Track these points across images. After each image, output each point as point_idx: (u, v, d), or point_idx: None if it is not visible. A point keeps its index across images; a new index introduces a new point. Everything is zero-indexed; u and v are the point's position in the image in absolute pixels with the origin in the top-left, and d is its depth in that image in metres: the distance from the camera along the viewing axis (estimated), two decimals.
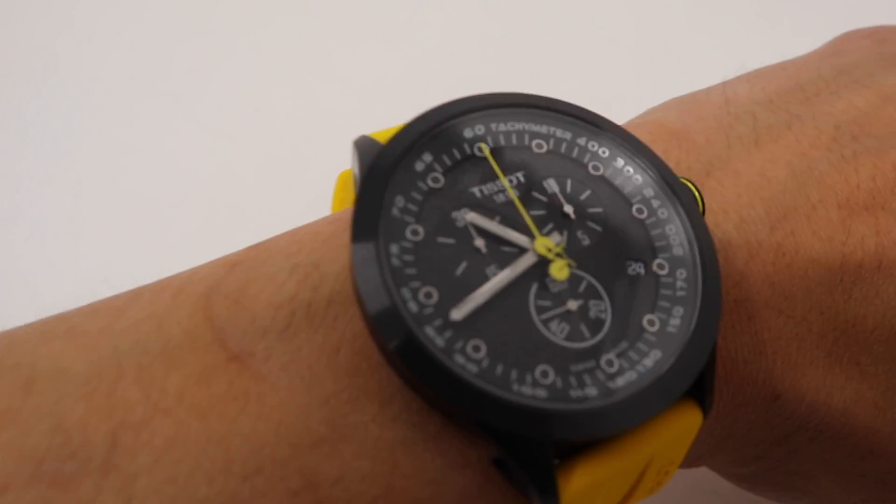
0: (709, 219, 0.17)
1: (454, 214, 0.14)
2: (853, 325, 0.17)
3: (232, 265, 0.15)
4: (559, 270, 0.14)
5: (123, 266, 0.28)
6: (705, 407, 0.14)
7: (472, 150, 0.15)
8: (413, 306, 0.13)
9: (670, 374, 0.13)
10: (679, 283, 0.14)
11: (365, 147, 0.14)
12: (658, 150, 0.18)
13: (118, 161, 0.34)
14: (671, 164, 0.18)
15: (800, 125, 0.19)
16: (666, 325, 0.14)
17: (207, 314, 0.14)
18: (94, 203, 0.33)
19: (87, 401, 0.13)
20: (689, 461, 0.18)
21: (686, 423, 0.14)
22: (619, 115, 0.18)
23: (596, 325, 0.14)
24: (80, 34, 0.39)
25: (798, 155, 0.19)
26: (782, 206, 0.17)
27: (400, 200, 0.14)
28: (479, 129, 0.15)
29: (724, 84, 0.22)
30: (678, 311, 0.14)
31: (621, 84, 0.36)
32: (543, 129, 0.15)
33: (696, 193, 0.16)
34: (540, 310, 0.13)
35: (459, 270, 0.13)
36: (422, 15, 0.40)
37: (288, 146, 0.34)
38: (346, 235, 0.14)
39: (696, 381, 0.14)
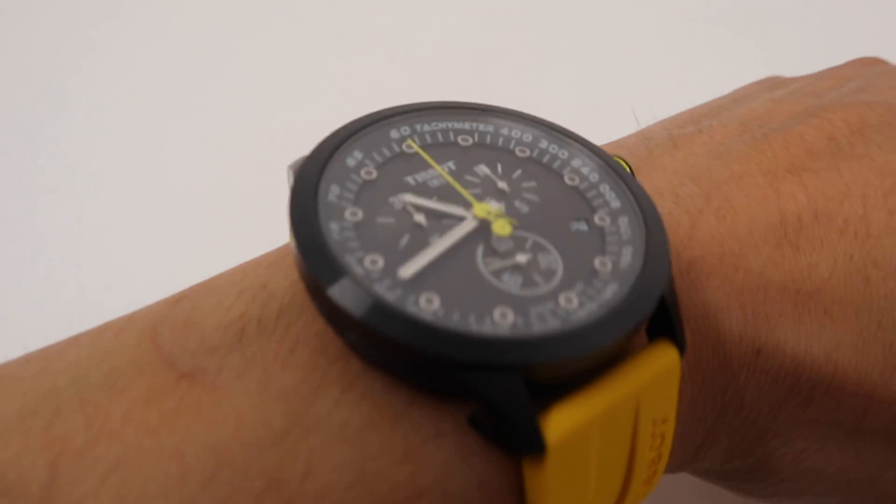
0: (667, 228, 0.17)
1: (391, 199, 0.14)
2: (809, 274, 0.17)
3: (176, 301, 0.14)
4: (501, 227, 0.14)
5: (124, 273, 0.29)
6: (679, 342, 0.14)
7: (401, 148, 0.15)
8: (359, 270, 0.13)
9: (630, 299, 0.13)
10: (623, 229, 0.14)
11: (296, 164, 0.15)
12: None
13: (121, 169, 0.35)
14: None
15: (709, 128, 0.21)
16: (618, 264, 0.14)
17: (153, 343, 0.13)
18: (97, 211, 0.33)
19: (22, 438, 0.12)
20: (691, 452, 0.17)
21: (663, 360, 0.13)
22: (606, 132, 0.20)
23: (548, 273, 0.13)
24: (83, 44, 0.40)
25: (715, 144, 0.20)
26: (711, 180, 0.18)
27: (335, 189, 0.14)
28: (405, 130, 0.16)
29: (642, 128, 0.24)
30: (627, 250, 0.14)
31: (609, 100, 0.37)
32: (466, 125, 0.16)
33: (624, 164, 0.16)
34: (489, 266, 0.13)
35: (403, 242, 0.13)
36: (418, 29, 0.43)
37: (285, 156, 0.34)
38: (290, 257, 0.14)
39: (662, 318, 0.14)
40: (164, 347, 0.13)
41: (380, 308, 0.12)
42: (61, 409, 0.12)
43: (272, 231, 0.17)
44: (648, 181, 0.18)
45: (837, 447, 0.17)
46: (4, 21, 0.43)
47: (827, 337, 0.17)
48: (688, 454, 0.17)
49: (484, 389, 0.12)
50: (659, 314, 0.14)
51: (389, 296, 0.12)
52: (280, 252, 0.15)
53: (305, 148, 0.15)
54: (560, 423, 0.12)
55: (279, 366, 0.13)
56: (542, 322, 0.12)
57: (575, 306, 0.13)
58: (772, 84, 0.25)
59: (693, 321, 0.16)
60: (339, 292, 0.12)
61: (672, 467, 0.17)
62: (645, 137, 0.21)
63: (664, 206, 0.17)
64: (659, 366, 0.13)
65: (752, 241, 0.17)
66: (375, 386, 0.13)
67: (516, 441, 0.12)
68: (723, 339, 0.16)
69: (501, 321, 0.12)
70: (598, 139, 0.19)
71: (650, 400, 0.13)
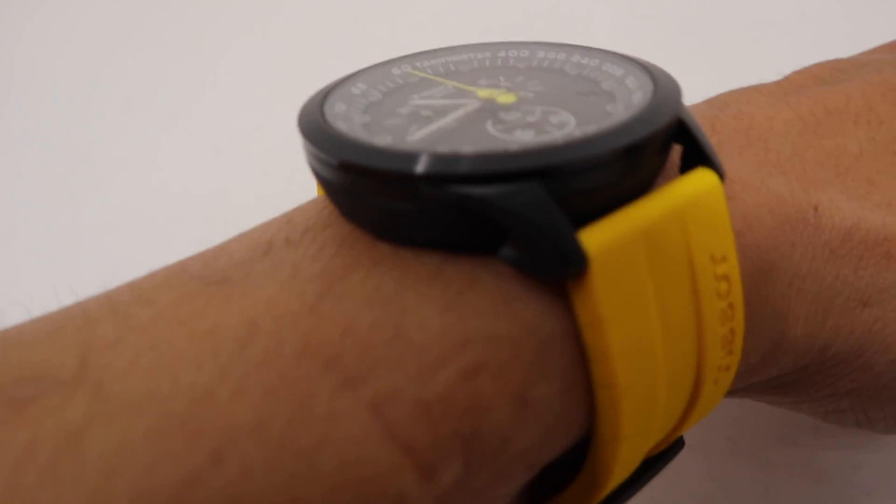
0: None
1: (399, 109, 0.15)
2: (840, 153, 0.17)
3: (205, 250, 0.15)
4: (505, 97, 0.14)
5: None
6: (715, 166, 0.13)
7: (405, 80, 0.16)
8: (364, 134, 0.13)
9: (647, 112, 0.12)
10: (630, 84, 0.14)
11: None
12: None
13: (115, 174, 0.35)
14: None
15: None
16: (629, 103, 0.13)
17: (183, 270, 0.13)
18: (91, 216, 0.33)
19: (51, 342, 0.12)
20: (779, 321, 0.15)
21: (702, 182, 0.13)
22: None
23: (561, 125, 0.13)
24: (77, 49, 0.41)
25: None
26: (719, 102, 0.18)
27: (341, 105, 0.14)
28: (406, 67, 0.16)
29: None
30: (637, 94, 0.14)
31: None
32: (464, 56, 0.17)
33: None
34: (501, 130, 0.13)
35: (412, 128, 0.14)
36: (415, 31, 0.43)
37: (281, 159, 0.33)
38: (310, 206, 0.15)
39: (690, 149, 0.13)
40: (191, 270, 0.13)
41: (378, 150, 0.12)
42: (91, 320, 0.12)
43: None
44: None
45: None
46: (6, 22, 0.45)
47: (877, 199, 0.16)
48: (774, 335, 0.15)
49: (506, 204, 0.11)
50: (687, 148, 0.13)
51: (400, 146, 0.12)
52: (303, 203, 0.15)
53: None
54: (600, 233, 0.11)
55: (308, 261, 0.12)
56: (562, 132, 0.12)
57: (590, 128, 0.12)
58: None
59: (738, 183, 0.15)
60: (343, 151, 0.12)
61: (745, 368, 0.15)
62: None
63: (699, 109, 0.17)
64: (699, 186, 0.13)
65: (773, 132, 0.17)
66: (406, 257, 0.12)
67: (554, 259, 0.11)
68: (774, 198, 0.15)
69: (515, 148, 0.12)
70: None
71: (700, 224, 0.12)
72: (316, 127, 0.13)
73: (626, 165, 0.12)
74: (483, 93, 0.14)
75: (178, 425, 0.10)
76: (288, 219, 0.14)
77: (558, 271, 0.11)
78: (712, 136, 0.16)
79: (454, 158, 0.11)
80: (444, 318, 0.11)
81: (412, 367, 0.11)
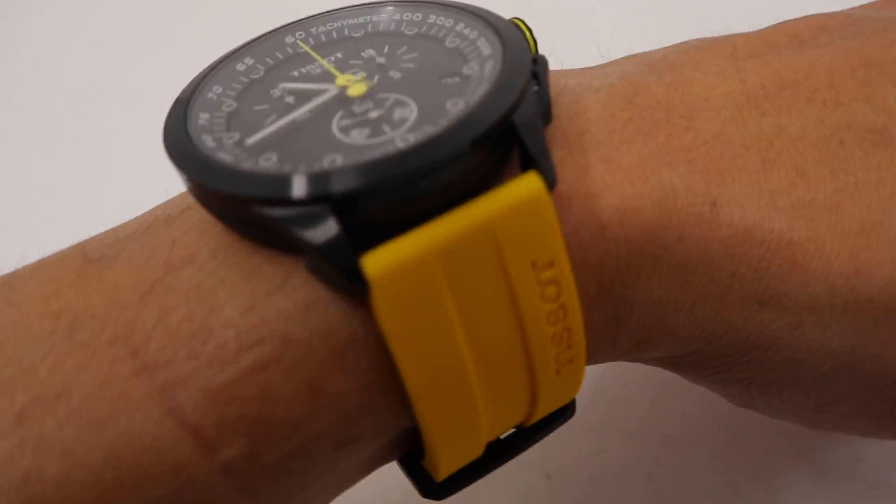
0: (591, 78, 0.17)
1: (272, 91, 0.15)
2: (777, 133, 0.16)
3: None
4: (356, 89, 0.14)
5: None
6: (543, 171, 0.13)
7: (294, 51, 0.16)
8: (210, 143, 0.13)
9: (462, 124, 0.12)
10: (486, 73, 0.14)
11: None
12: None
13: (122, 172, 0.36)
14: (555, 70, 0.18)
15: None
16: (469, 101, 0.13)
17: (83, 245, 0.15)
18: (95, 211, 0.33)
19: None
20: (656, 315, 0.15)
21: (521, 189, 0.12)
22: None
23: (399, 123, 0.13)
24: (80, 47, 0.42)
25: (673, 49, 0.18)
26: (667, 63, 0.17)
27: (217, 88, 0.15)
28: (300, 34, 0.16)
29: None
30: (483, 89, 0.13)
31: None
32: (360, 20, 0.16)
33: (525, 29, 0.15)
34: (342, 127, 0.13)
35: (268, 121, 0.14)
36: None
37: None
38: None
39: (526, 154, 0.13)
40: (86, 246, 0.15)
41: (207, 165, 0.13)
42: None
43: None
44: (602, 70, 0.17)
45: (817, 327, 0.15)
46: (11, 24, 0.46)
47: (799, 193, 0.15)
48: (648, 326, 0.15)
49: (294, 227, 0.12)
50: (522, 148, 0.13)
51: (228, 158, 0.13)
52: None
53: None
54: (383, 256, 0.12)
55: (167, 245, 0.14)
56: (394, 133, 0.12)
57: (408, 143, 0.13)
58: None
59: (627, 170, 0.14)
60: (180, 156, 0.13)
61: (621, 341, 0.15)
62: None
63: (611, 83, 0.16)
64: (516, 197, 0.12)
65: (706, 105, 0.16)
66: (240, 251, 0.13)
67: (340, 279, 0.12)
68: (662, 190, 0.14)
69: (328, 166, 0.12)
70: None
71: (514, 235, 0.12)
72: (173, 126, 0.14)
73: (429, 185, 0.12)
74: (341, 80, 0.14)
75: (2, 391, 0.12)
76: (179, 202, 0.16)
77: (345, 289, 0.12)
78: (624, 111, 0.15)
79: (252, 180, 0.12)
80: (245, 317, 0.12)
81: (206, 359, 0.12)
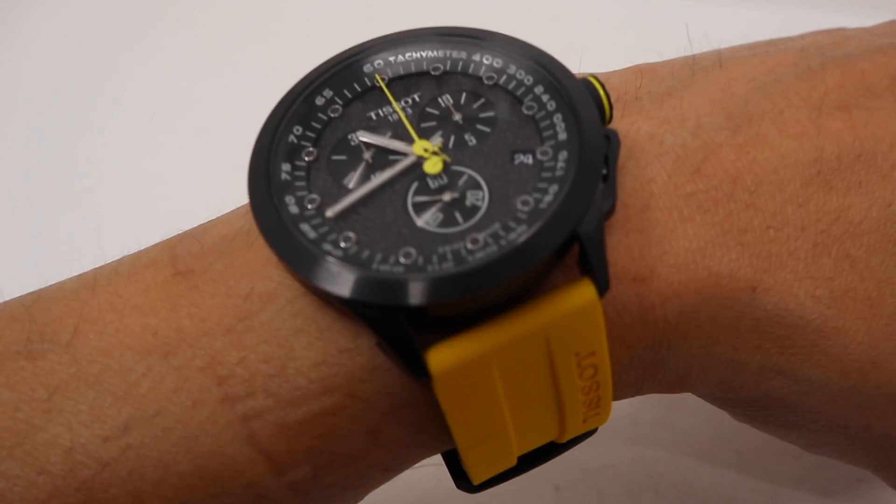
0: (665, 129, 0.17)
1: (350, 136, 0.16)
2: (838, 216, 0.16)
3: (210, 219, 0.18)
4: (432, 166, 0.15)
5: None
6: (599, 283, 0.14)
7: (371, 83, 0.16)
8: (294, 209, 0.14)
9: (528, 243, 0.13)
10: (559, 165, 0.14)
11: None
12: (619, 79, 0.19)
13: (141, 179, 0.37)
14: (630, 91, 0.18)
15: (764, 52, 0.19)
16: (539, 203, 0.14)
17: (172, 249, 0.17)
18: (116, 224, 0.35)
19: (64, 304, 0.16)
20: (676, 379, 0.17)
21: (574, 298, 0.14)
22: None
23: (471, 211, 0.14)
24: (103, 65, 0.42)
25: (763, 71, 0.18)
26: (746, 113, 0.17)
27: (298, 129, 0.16)
28: (378, 63, 0.16)
29: None
30: (553, 188, 0.14)
31: None
32: (440, 53, 0.16)
33: (601, 89, 0.15)
34: (416, 203, 0.14)
35: (347, 180, 0.15)
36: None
37: None
38: None
39: (585, 259, 0.14)
40: (175, 251, 0.16)
41: (293, 246, 0.14)
42: (96, 288, 0.16)
43: None
44: (678, 104, 0.17)
45: (825, 400, 0.16)
46: (28, 42, 0.45)
47: (841, 281, 0.16)
48: (671, 381, 0.17)
49: (373, 323, 0.13)
50: (582, 253, 0.14)
51: (311, 234, 0.14)
52: None
53: None
54: (443, 355, 0.13)
55: (248, 275, 0.15)
56: (439, 263, 0.13)
57: (477, 247, 0.14)
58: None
59: (678, 254, 0.15)
60: (265, 226, 0.14)
61: (645, 390, 0.17)
62: (695, 58, 0.19)
63: (681, 135, 0.16)
64: (570, 305, 0.14)
65: (774, 177, 0.16)
66: (312, 305, 0.15)
67: (406, 369, 0.13)
68: (712, 278, 0.15)
69: (403, 260, 0.14)
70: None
71: (564, 336, 0.14)
72: (258, 184, 0.15)
73: (493, 297, 0.13)
74: (418, 147, 0.15)
75: (111, 402, 0.15)
76: (249, 209, 0.17)
77: (410, 376, 0.14)
78: (688, 183, 0.16)
79: (333, 276, 0.13)
80: (317, 369, 0.14)
81: (281, 399, 0.14)
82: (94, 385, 0.15)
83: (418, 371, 0.13)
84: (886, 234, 0.16)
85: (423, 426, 0.15)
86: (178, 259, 0.16)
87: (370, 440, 0.15)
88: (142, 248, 0.18)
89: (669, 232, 0.15)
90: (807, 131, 0.16)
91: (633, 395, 0.17)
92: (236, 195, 0.34)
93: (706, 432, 0.27)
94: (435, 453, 0.16)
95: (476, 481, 0.17)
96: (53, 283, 0.18)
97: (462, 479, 0.17)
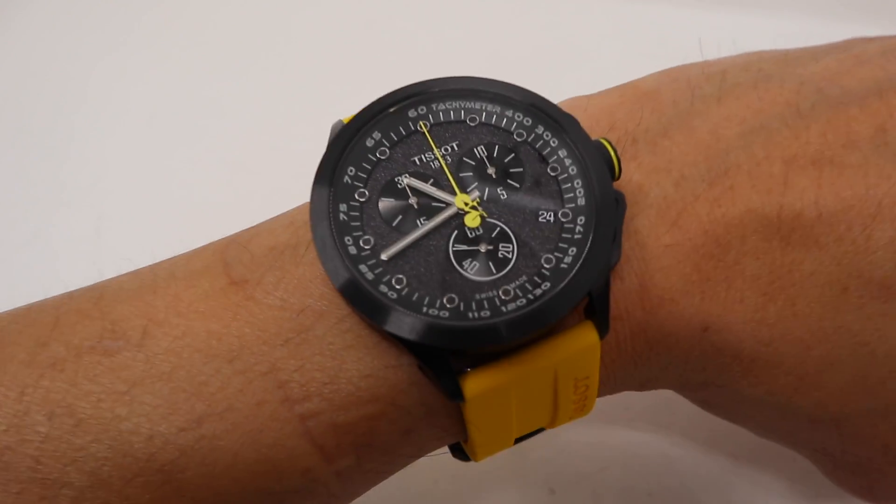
0: (648, 178, 0.19)
1: (397, 179, 0.18)
2: (790, 269, 0.18)
3: (248, 229, 0.20)
4: (472, 220, 0.17)
5: None
6: (600, 328, 0.17)
7: (415, 128, 0.18)
8: (353, 249, 0.17)
9: (553, 301, 0.16)
10: (578, 228, 0.17)
11: (334, 128, 0.19)
12: (624, 110, 0.21)
13: (139, 182, 0.38)
14: (630, 129, 0.20)
15: (765, 83, 0.21)
16: (560, 262, 0.17)
17: (222, 255, 0.19)
18: (114, 224, 0.36)
19: (130, 304, 0.18)
20: (640, 384, 0.21)
21: (581, 340, 0.17)
22: None
23: (502, 262, 0.17)
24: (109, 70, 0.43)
25: (754, 112, 0.20)
26: (725, 164, 0.19)
27: (351, 170, 0.18)
28: (422, 110, 0.19)
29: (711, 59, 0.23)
30: (572, 251, 0.17)
31: None
32: (477, 105, 0.19)
33: (612, 151, 0.18)
34: (456, 251, 0.17)
35: (395, 222, 0.17)
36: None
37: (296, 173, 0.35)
38: None
39: (590, 307, 0.17)
40: (226, 259, 0.19)
41: (356, 288, 0.16)
42: (156, 291, 0.18)
43: None
44: (670, 147, 0.20)
45: (768, 414, 0.20)
46: (35, 45, 0.44)
47: (781, 326, 0.19)
48: (636, 385, 0.21)
49: (422, 357, 0.16)
50: (590, 301, 0.17)
51: (369, 275, 0.17)
52: None
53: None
54: (476, 384, 0.16)
55: (300, 291, 0.18)
56: (478, 311, 0.16)
57: (509, 298, 0.17)
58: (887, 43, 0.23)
59: (651, 300, 0.18)
60: (330, 268, 0.17)
61: (616, 392, 0.21)
62: (697, 83, 0.21)
63: (665, 187, 0.19)
64: (577, 347, 0.17)
65: (738, 232, 0.18)
66: (360, 324, 0.18)
67: (443, 391, 0.17)
68: (673, 319, 0.19)
69: (448, 305, 0.16)
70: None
71: (569, 368, 0.17)
72: (321, 224, 0.17)
73: (519, 342, 0.16)
74: (459, 200, 0.18)
75: (185, 397, 0.17)
76: (306, 220, 0.19)
77: (446, 397, 0.17)
78: (667, 235, 0.18)
79: (389, 315, 0.16)
80: (364, 381, 0.17)
81: (334, 403, 0.17)
82: (168, 382, 0.17)
83: (455, 395, 0.16)
84: (830, 289, 0.18)
85: (448, 427, 0.18)
86: (231, 267, 0.19)
87: (404, 438, 0.18)
88: (191, 250, 0.20)
89: (647, 281, 0.18)
90: (775, 187, 0.19)
91: (607, 395, 0.21)
92: (233, 195, 0.37)
93: (700, 435, 0.28)
94: (451, 443, 0.20)
95: (477, 461, 0.20)
96: (108, 279, 0.20)
97: (459, 451, 0.21)
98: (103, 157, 0.39)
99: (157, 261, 0.20)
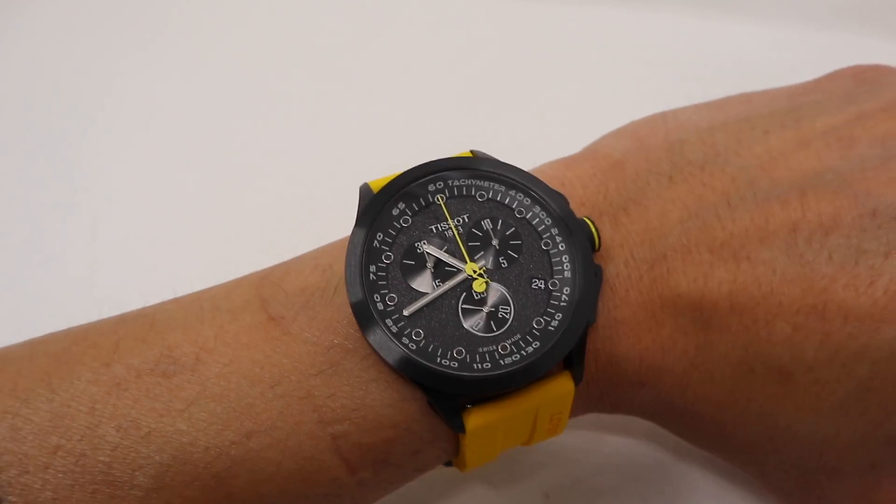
0: (607, 252, 0.23)
1: (416, 244, 0.22)
2: (708, 348, 0.22)
3: (279, 266, 0.23)
4: (479, 285, 0.21)
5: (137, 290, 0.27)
6: (576, 377, 0.21)
7: (433, 199, 0.22)
8: (380, 305, 0.21)
9: (542, 359, 0.20)
10: (564, 297, 0.21)
11: (363, 193, 0.22)
12: (595, 183, 0.25)
13: (136, 186, 0.39)
14: (600, 199, 0.24)
15: (711, 166, 0.24)
16: (549, 325, 0.21)
17: (259, 292, 0.22)
18: (109, 227, 0.37)
19: (181, 332, 0.22)
20: (608, 410, 0.25)
21: (560, 388, 0.21)
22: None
23: (501, 322, 0.21)
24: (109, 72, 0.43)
25: (696, 198, 0.24)
26: (665, 247, 0.23)
27: (380, 235, 0.21)
28: (440, 185, 0.22)
29: (675, 111, 0.27)
30: (559, 316, 0.21)
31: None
32: (485, 183, 0.22)
33: (594, 230, 0.22)
34: (465, 310, 0.21)
35: (415, 283, 0.21)
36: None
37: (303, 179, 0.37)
38: None
39: (568, 360, 0.21)
40: (263, 296, 0.22)
41: (382, 336, 0.20)
42: (203, 321, 0.22)
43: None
44: (626, 224, 0.23)
45: (697, 441, 0.25)
46: (23, 39, 0.44)
47: (703, 392, 0.23)
48: (603, 411, 0.25)
49: (435, 399, 0.20)
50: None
51: (394, 328, 0.20)
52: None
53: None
54: (476, 420, 0.21)
55: (331, 329, 0.21)
56: (481, 363, 0.20)
57: (507, 353, 0.21)
58: (855, 92, 0.26)
59: (603, 362, 0.23)
60: (363, 322, 0.20)
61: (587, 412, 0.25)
62: (656, 157, 0.25)
63: (617, 264, 0.23)
64: (557, 393, 0.21)
65: (673, 311, 0.22)
66: (381, 361, 0.21)
67: (447, 424, 0.21)
68: (618, 377, 0.23)
69: (457, 356, 0.20)
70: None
71: (548, 407, 0.22)
72: (355, 282, 0.21)
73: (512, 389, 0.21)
74: (469, 268, 0.21)
75: (235, 416, 0.21)
76: (330, 263, 0.23)
77: (450, 428, 0.21)
78: (617, 309, 0.23)
79: (416, 368, 0.20)
80: (386, 410, 0.21)
81: (360, 427, 0.21)
82: (220, 402, 0.21)
83: (458, 428, 0.21)
84: (739, 367, 0.22)
85: (448, 449, 0.22)
86: (268, 304, 0.22)
87: (413, 456, 0.22)
88: (226, 283, 0.23)
89: (600, 345, 0.23)
90: (699, 276, 0.22)
91: (579, 416, 0.26)
92: (229, 198, 0.40)
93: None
94: (449, 461, 0.24)
95: (464, 472, 0.25)
96: (153, 305, 0.23)
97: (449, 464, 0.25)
98: (100, 159, 0.39)
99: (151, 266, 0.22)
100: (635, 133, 0.26)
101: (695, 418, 0.24)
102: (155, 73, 0.43)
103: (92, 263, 0.35)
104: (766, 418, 0.23)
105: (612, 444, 0.28)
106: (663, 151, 0.25)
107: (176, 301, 0.23)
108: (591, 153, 0.26)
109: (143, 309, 0.23)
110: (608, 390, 0.24)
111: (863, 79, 0.27)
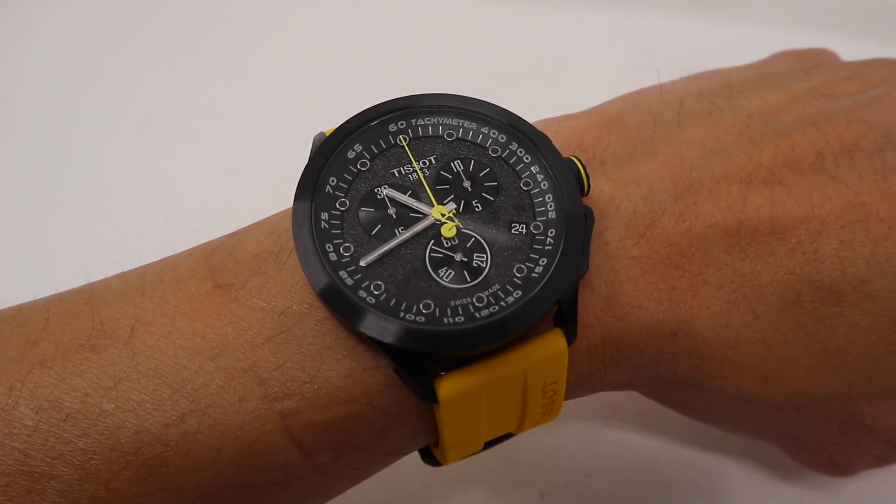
0: (622, 192, 0.20)
1: (376, 189, 0.19)
2: (749, 279, 0.20)
3: (233, 234, 0.21)
4: (448, 230, 0.18)
5: None
6: (569, 336, 0.18)
7: (395, 141, 0.19)
8: (333, 256, 0.18)
9: (523, 309, 0.17)
10: (548, 240, 0.18)
11: (316, 140, 0.19)
12: (593, 134, 0.22)
13: (130, 189, 0.38)
14: (600, 149, 0.22)
15: (719, 114, 0.23)
16: (531, 272, 0.18)
17: (208, 260, 0.20)
18: (105, 230, 0.36)
19: (118, 305, 0.19)
20: (613, 386, 0.22)
21: (550, 346, 0.18)
22: None
23: (476, 272, 0.18)
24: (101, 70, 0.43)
25: (712, 139, 0.22)
26: (689, 181, 0.21)
27: (333, 180, 0.19)
28: (402, 125, 0.19)
29: (661, 84, 0.25)
30: (543, 261, 0.18)
31: None
32: (454, 121, 0.20)
33: (581, 167, 0.19)
34: (433, 260, 0.18)
35: (374, 231, 0.18)
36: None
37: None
38: None
39: (560, 317, 0.18)
40: (212, 264, 0.19)
41: (336, 292, 0.17)
42: (144, 292, 0.19)
43: None
44: (636, 166, 0.21)
45: (738, 408, 0.22)
46: (36, 49, 0.44)
47: (745, 330, 0.20)
48: (607, 387, 0.22)
49: (396, 359, 0.17)
50: (560, 308, 0.18)
51: (349, 280, 0.17)
52: None
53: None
54: (450, 387, 0.17)
55: (282, 294, 0.19)
56: (452, 316, 0.17)
57: (482, 305, 0.17)
58: (806, 65, 0.27)
59: (621, 308, 0.20)
60: (311, 272, 0.17)
61: (586, 395, 0.22)
62: (657, 109, 0.23)
63: (634, 200, 0.20)
64: (546, 352, 0.18)
65: (702, 244, 0.20)
66: (339, 327, 0.18)
67: (418, 394, 0.17)
68: (643, 327, 0.20)
69: (423, 310, 0.17)
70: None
71: (538, 373, 0.18)
72: (302, 232, 0.18)
73: (490, 348, 0.17)
74: (436, 212, 0.18)
75: (169, 394, 0.18)
76: (288, 228, 0.20)
77: (421, 399, 0.18)
78: (635, 247, 0.20)
79: (376, 325, 0.17)
80: (343, 381, 0.18)
81: (313, 402, 0.18)
82: (153, 378, 0.18)
83: (429, 397, 0.17)
84: (785, 295, 0.20)
85: (421, 428, 0.19)
86: (216, 272, 0.19)
87: (379, 437, 0.19)
88: (176, 254, 0.21)
89: (615, 290, 0.20)
90: (734, 204, 0.20)
91: (581, 396, 0.22)
92: (225, 197, 0.38)
93: (689, 441, 0.29)
94: (424, 445, 0.20)
95: (447, 464, 0.21)
96: (97, 281, 0.20)
97: (429, 457, 0.22)
98: (96, 157, 0.39)
99: (145, 263, 0.20)
100: (626, 97, 0.25)
101: (735, 369, 0.21)
102: (152, 71, 0.42)
103: (87, 261, 0.35)
104: (814, 347, 0.21)
105: (607, 445, 0.28)
106: (663, 105, 0.23)
107: (121, 275, 0.20)
108: (582, 112, 0.24)
109: (85, 285, 0.20)
110: (629, 347, 0.20)
111: (805, 57, 0.28)
